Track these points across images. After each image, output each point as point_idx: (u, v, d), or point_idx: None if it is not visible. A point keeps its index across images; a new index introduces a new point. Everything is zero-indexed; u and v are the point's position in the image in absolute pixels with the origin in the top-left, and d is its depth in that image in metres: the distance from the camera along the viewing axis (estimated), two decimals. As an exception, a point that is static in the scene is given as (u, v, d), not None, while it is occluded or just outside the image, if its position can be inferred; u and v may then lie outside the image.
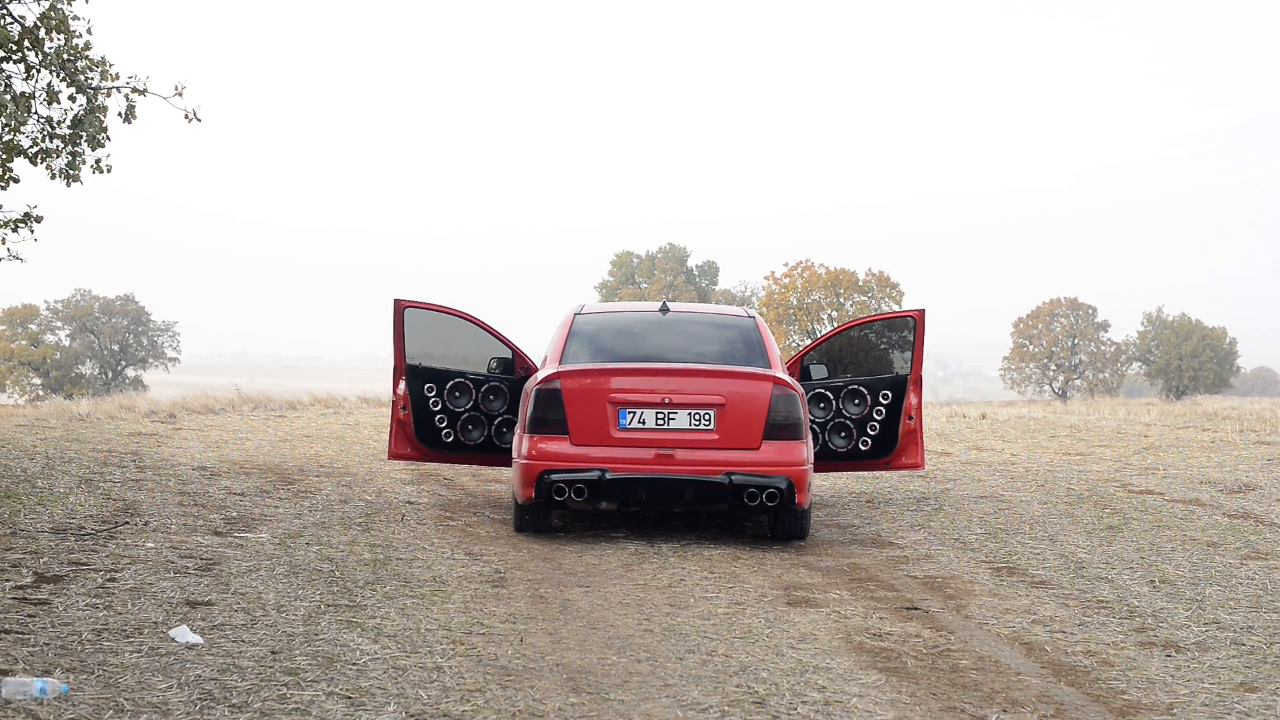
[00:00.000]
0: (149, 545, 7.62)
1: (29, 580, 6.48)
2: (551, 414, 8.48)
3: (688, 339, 9.42)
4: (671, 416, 8.43)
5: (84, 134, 11.03)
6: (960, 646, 5.85)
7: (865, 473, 11.84)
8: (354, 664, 5.22)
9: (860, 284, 59.90)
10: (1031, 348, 69.97)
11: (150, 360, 68.64)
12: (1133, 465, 13.70)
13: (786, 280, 60.28)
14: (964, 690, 5.16)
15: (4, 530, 7.81)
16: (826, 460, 9.91)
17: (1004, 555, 8.23)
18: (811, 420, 9.73)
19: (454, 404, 9.75)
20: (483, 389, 9.77)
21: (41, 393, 61.83)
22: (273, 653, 5.33)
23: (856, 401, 9.94)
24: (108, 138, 11.18)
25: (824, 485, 11.73)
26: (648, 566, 7.65)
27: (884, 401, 9.93)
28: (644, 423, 8.42)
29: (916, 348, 10.00)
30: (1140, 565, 7.86)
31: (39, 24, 10.50)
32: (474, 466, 11.49)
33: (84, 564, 6.98)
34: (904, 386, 9.94)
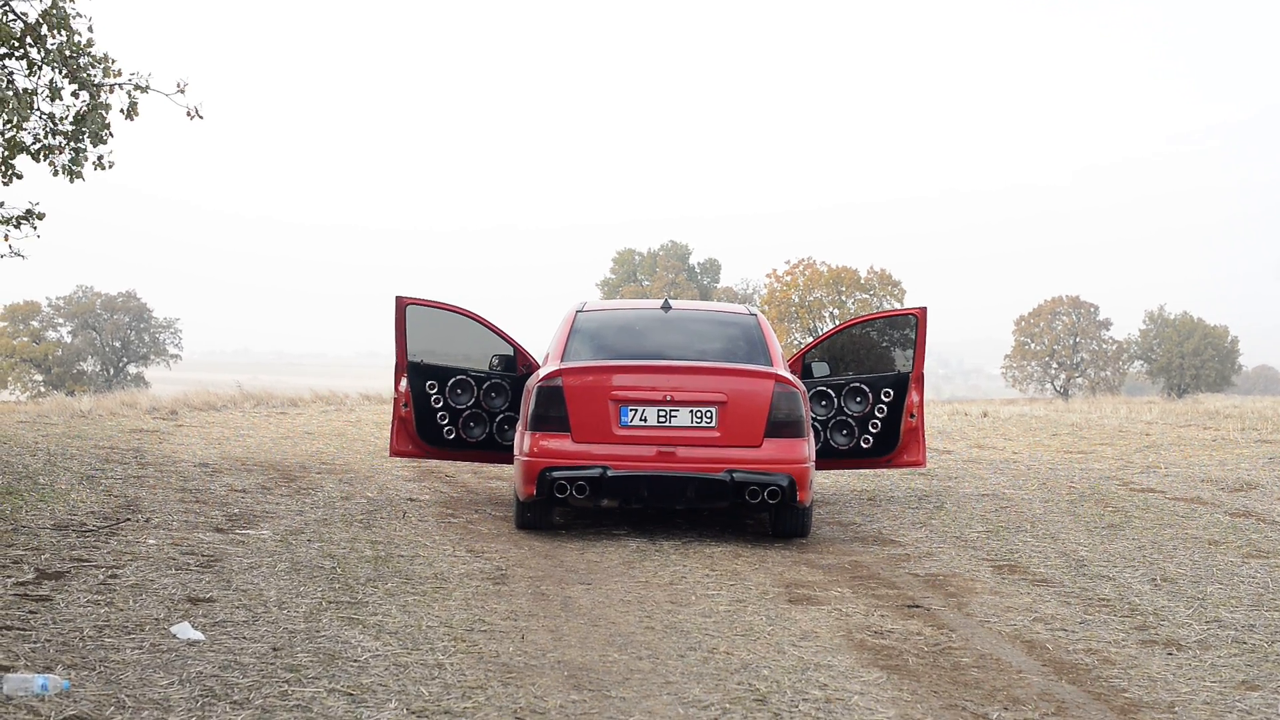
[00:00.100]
0: (150, 542, 7.62)
1: (30, 576, 6.49)
2: (553, 411, 8.48)
3: (689, 336, 9.42)
4: (673, 414, 8.42)
5: (86, 130, 11.03)
6: (962, 644, 5.85)
7: (867, 470, 11.84)
8: (355, 661, 5.22)
9: (862, 282, 59.92)
10: (1033, 346, 69.98)
11: (152, 357, 68.68)
12: (1134, 463, 13.69)
13: (788, 278, 60.31)
14: (965, 688, 5.16)
15: (6, 526, 7.81)
16: (828, 458, 9.91)
17: (1005, 553, 8.23)
18: (813, 418, 9.72)
19: (456, 401, 9.75)
20: (485, 386, 9.77)
21: (43, 389, 61.89)
22: (274, 649, 5.33)
23: (858, 399, 9.93)
24: (110, 134, 11.18)
25: (825, 483, 11.73)
26: (649, 564, 7.65)
27: (886, 399, 9.93)
28: (646, 420, 8.42)
29: (918, 345, 10.00)
30: (1142, 563, 7.86)
31: (41, 21, 10.50)
32: (476, 464, 11.49)
33: (85, 560, 6.98)
34: (906, 384, 9.94)
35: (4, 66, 10.71)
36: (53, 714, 4.37)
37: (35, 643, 5.24)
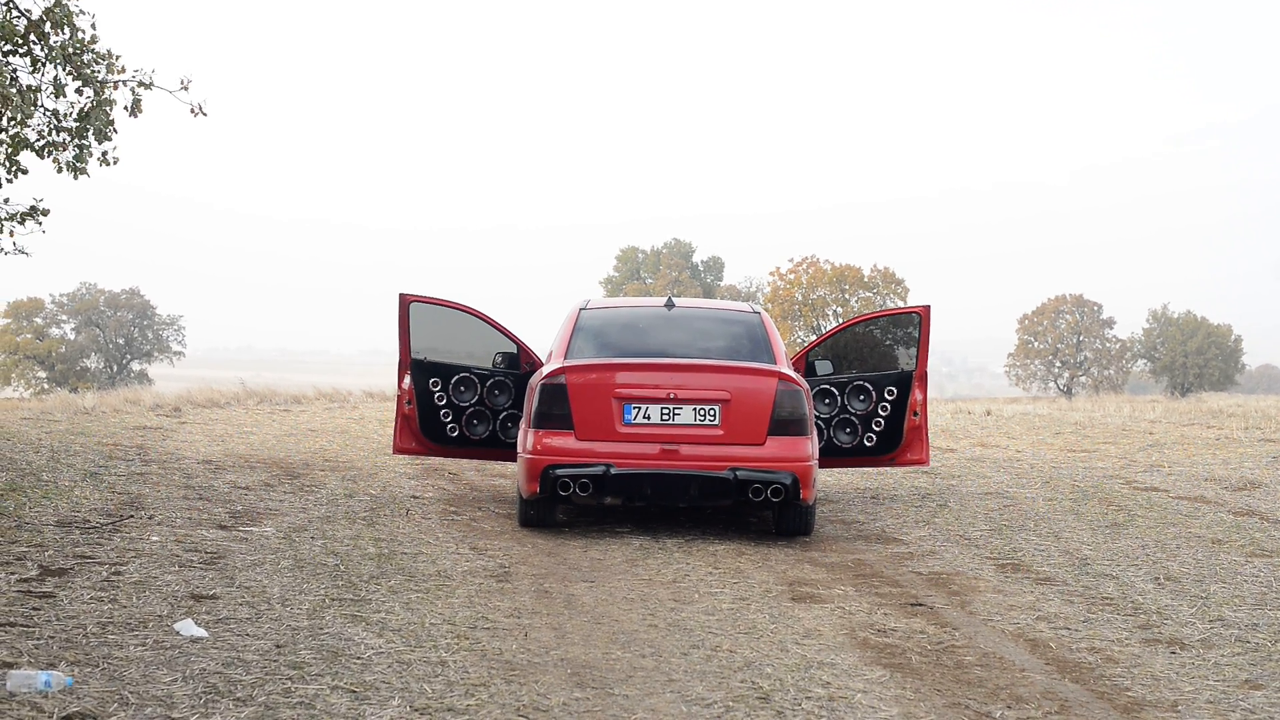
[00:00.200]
0: (154, 539, 7.63)
1: (34, 573, 6.49)
2: (556, 409, 8.48)
3: (693, 334, 9.42)
4: (676, 412, 8.42)
5: (90, 127, 11.03)
6: (965, 643, 5.85)
7: (870, 469, 11.84)
8: (358, 658, 5.22)
9: (865, 280, 59.87)
10: (1037, 344, 69.94)
11: (155, 354, 68.72)
12: (1137, 462, 13.68)
13: (792, 276, 60.25)
14: (968, 686, 5.15)
15: (9, 523, 7.81)
16: (831, 456, 9.90)
17: (1009, 552, 8.22)
18: (817, 416, 9.72)
19: (459, 399, 9.75)
20: (488, 384, 9.77)
21: (47, 386, 61.94)
22: (277, 647, 5.33)
23: (862, 397, 9.93)
24: (114, 131, 11.18)
25: (829, 481, 11.73)
26: (652, 562, 7.65)
27: (889, 398, 9.92)
28: (649, 418, 8.42)
29: (922, 344, 10.00)
30: (1145, 562, 7.85)
31: (44, 18, 10.50)
32: (479, 461, 11.49)
33: (89, 557, 6.98)
34: (909, 382, 9.94)
35: (8, 63, 10.71)
36: (56, 711, 4.37)
37: (38, 639, 5.25)
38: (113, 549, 7.24)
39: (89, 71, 10.85)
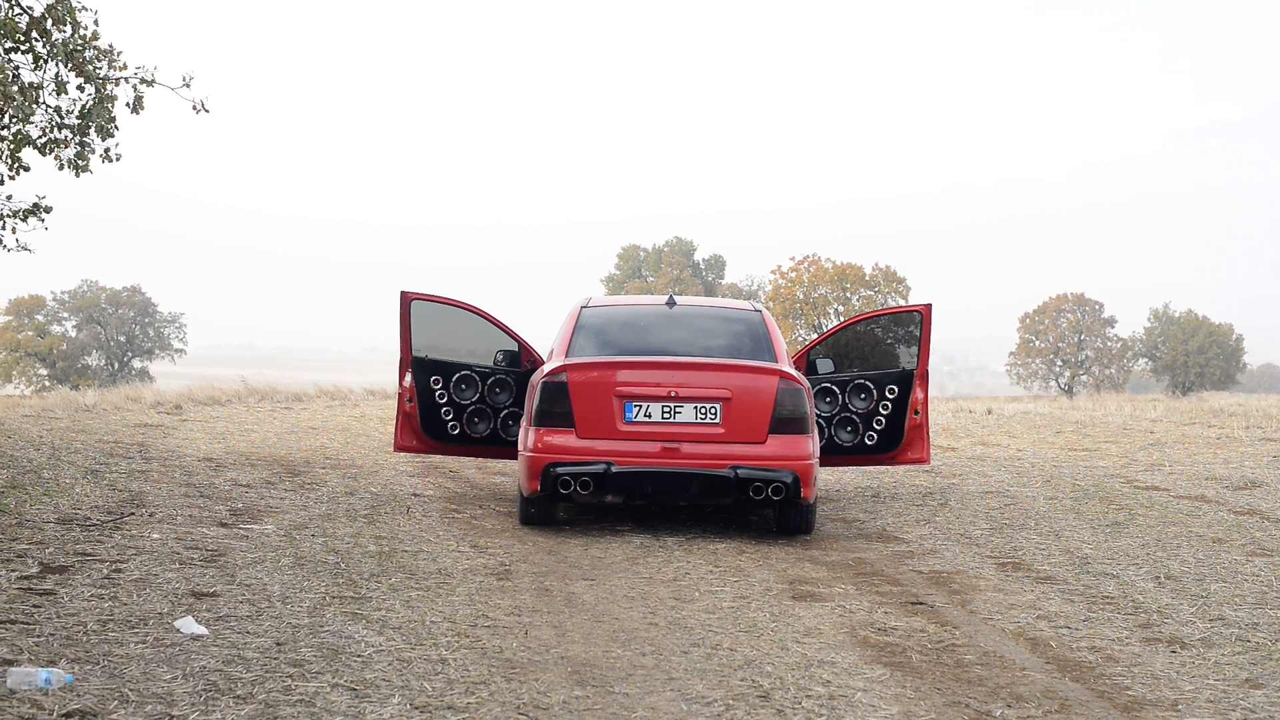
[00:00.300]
0: (154, 536, 7.63)
1: (34, 571, 6.49)
2: (557, 407, 8.48)
3: (694, 333, 9.41)
4: (677, 410, 8.42)
5: (92, 124, 11.03)
6: (965, 641, 5.85)
7: (871, 467, 11.83)
8: (359, 656, 5.22)
9: (867, 278, 59.85)
10: (1038, 343, 69.92)
11: (156, 352, 68.74)
12: (1138, 461, 13.68)
13: (793, 274, 60.24)
14: (968, 685, 5.15)
15: (10, 520, 7.82)
16: (832, 455, 9.90)
17: (1009, 550, 8.22)
18: (818, 414, 9.72)
19: (460, 396, 9.75)
20: (489, 382, 9.77)
21: (48, 384, 61.98)
22: (278, 644, 5.33)
23: (863, 396, 9.93)
24: (116, 127, 11.18)
25: (829, 479, 11.73)
26: (653, 560, 7.65)
27: (890, 396, 9.92)
28: (650, 416, 8.42)
29: (923, 343, 10.00)
30: (1145, 561, 7.85)
31: (46, 14, 10.50)
32: (480, 459, 11.49)
33: (89, 555, 6.99)
34: (910, 381, 9.94)
35: (10, 60, 10.71)
36: (56, 708, 4.37)
37: (39, 637, 5.25)
38: (113, 546, 7.25)
39: (91, 68, 10.85)
